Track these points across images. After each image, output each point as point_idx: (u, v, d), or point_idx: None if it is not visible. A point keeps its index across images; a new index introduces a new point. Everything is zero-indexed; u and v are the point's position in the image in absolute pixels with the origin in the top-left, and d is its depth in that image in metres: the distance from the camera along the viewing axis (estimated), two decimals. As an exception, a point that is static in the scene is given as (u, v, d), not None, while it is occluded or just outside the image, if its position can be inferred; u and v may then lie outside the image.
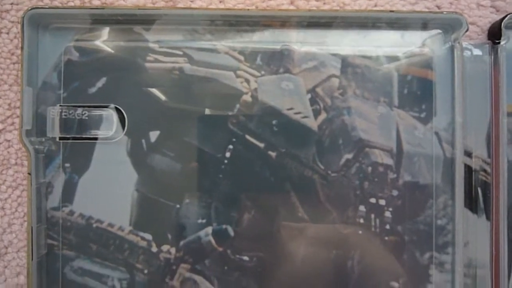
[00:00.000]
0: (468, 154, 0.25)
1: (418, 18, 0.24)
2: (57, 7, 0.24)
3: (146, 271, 0.24)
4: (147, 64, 0.24)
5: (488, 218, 0.24)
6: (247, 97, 0.24)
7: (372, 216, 0.24)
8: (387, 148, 0.25)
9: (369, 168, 0.24)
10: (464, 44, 0.25)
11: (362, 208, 0.24)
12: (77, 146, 0.24)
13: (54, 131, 0.24)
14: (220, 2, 0.25)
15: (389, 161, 0.25)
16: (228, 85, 0.24)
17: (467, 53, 0.25)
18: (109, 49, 0.24)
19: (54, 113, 0.24)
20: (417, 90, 0.25)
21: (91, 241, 0.24)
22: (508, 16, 0.24)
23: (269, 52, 0.25)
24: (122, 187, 0.24)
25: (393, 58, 0.25)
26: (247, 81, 0.24)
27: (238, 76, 0.24)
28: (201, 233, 0.24)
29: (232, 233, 0.24)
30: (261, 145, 0.24)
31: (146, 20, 0.24)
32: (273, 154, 0.24)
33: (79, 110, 0.24)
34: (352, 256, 0.24)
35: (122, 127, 0.24)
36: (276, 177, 0.24)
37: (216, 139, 0.24)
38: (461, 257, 0.24)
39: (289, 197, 0.24)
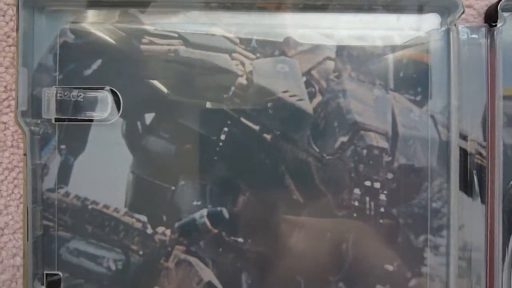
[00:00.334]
0: (464, 137, 0.25)
1: (414, 0, 0.24)
2: (53, -11, 0.24)
3: (141, 253, 0.24)
4: (142, 47, 0.24)
5: (483, 201, 0.24)
6: (242, 80, 0.24)
7: (367, 199, 0.24)
8: (383, 131, 0.24)
9: (364, 151, 0.24)
10: (460, 27, 0.24)
11: (357, 191, 0.24)
12: (72, 127, 0.24)
13: (50, 112, 0.24)
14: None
15: (384, 144, 0.24)
16: (223, 68, 0.24)
17: (463, 36, 0.25)
18: (104, 32, 0.24)
19: (49, 94, 0.24)
20: (412, 73, 0.25)
21: (87, 222, 0.24)
22: (505, -2, 0.24)
23: (265, 35, 0.25)
24: (118, 169, 0.24)
25: (389, 41, 0.25)
26: (242, 63, 0.24)
27: (233, 59, 0.24)
28: (196, 215, 0.24)
29: (227, 215, 0.24)
30: (256, 127, 0.24)
31: (141, 2, 0.24)
32: (268, 136, 0.24)
33: (75, 92, 0.24)
34: (347, 239, 0.24)
35: (117, 109, 0.24)
36: (271, 159, 0.24)
37: (211, 121, 0.24)
38: (456, 240, 0.24)
39: (284, 180, 0.24)
